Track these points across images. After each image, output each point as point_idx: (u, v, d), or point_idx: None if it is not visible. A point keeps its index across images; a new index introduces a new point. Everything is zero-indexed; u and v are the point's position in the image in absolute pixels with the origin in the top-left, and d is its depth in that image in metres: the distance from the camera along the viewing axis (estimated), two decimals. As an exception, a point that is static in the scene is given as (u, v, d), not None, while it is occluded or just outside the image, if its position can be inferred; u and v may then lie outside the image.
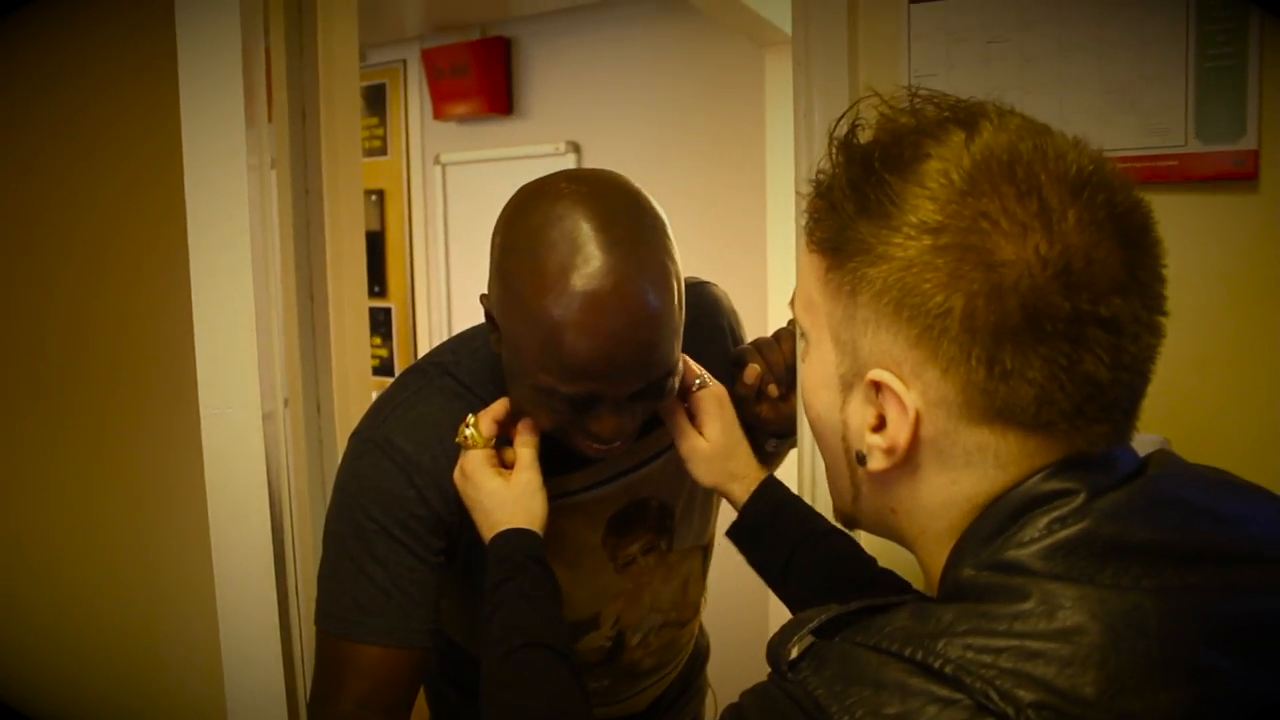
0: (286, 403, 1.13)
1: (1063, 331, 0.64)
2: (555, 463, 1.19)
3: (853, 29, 1.23)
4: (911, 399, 0.67)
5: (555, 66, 3.60)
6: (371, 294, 3.78)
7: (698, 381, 1.21)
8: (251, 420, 0.81)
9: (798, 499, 1.22)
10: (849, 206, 0.68)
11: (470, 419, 1.15)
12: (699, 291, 1.33)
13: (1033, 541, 0.65)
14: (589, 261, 1.01)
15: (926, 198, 0.65)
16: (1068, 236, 0.64)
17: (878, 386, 0.69)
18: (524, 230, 1.06)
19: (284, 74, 1.72)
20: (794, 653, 0.70)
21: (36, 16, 0.99)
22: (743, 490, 1.19)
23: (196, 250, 0.78)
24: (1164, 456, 0.74)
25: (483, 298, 1.14)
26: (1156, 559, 0.65)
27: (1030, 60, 1.14)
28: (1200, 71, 1.05)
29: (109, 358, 1.09)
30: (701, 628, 1.61)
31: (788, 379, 1.29)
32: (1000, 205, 0.64)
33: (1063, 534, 0.65)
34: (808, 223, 0.74)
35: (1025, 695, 0.59)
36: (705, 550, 1.45)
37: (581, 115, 3.47)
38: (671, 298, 1.07)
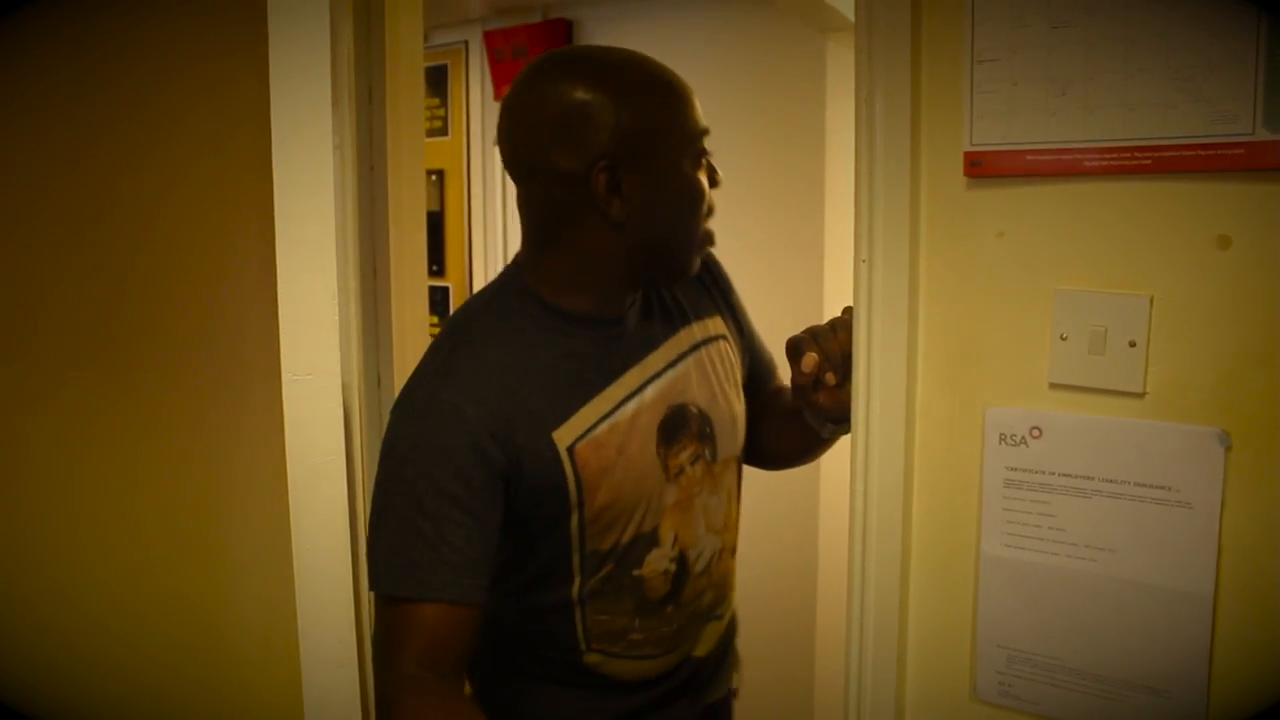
0: (353, 375, 1.17)
1: None
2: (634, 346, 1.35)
3: (916, 14, 1.23)
4: None
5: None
6: (430, 273, 3.82)
7: None
8: (331, 387, 0.83)
9: None
10: None
11: None
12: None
13: None
14: (634, 59, 1.30)
15: None
16: None
17: None
18: (584, 82, 1.26)
19: (351, 54, 1.75)
20: None
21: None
22: None
23: (282, 223, 0.81)
24: None
25: (591, 176, 1.25)
26: None
27: (1095, 46, 1.13)
28: (1270, 58, 1.04)
29: (193, 326, 1.12)
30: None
31: (844, 366, 1.32)
32: None
33: None
34: None
35: None
36: (739, 463, 1.51)
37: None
38: None
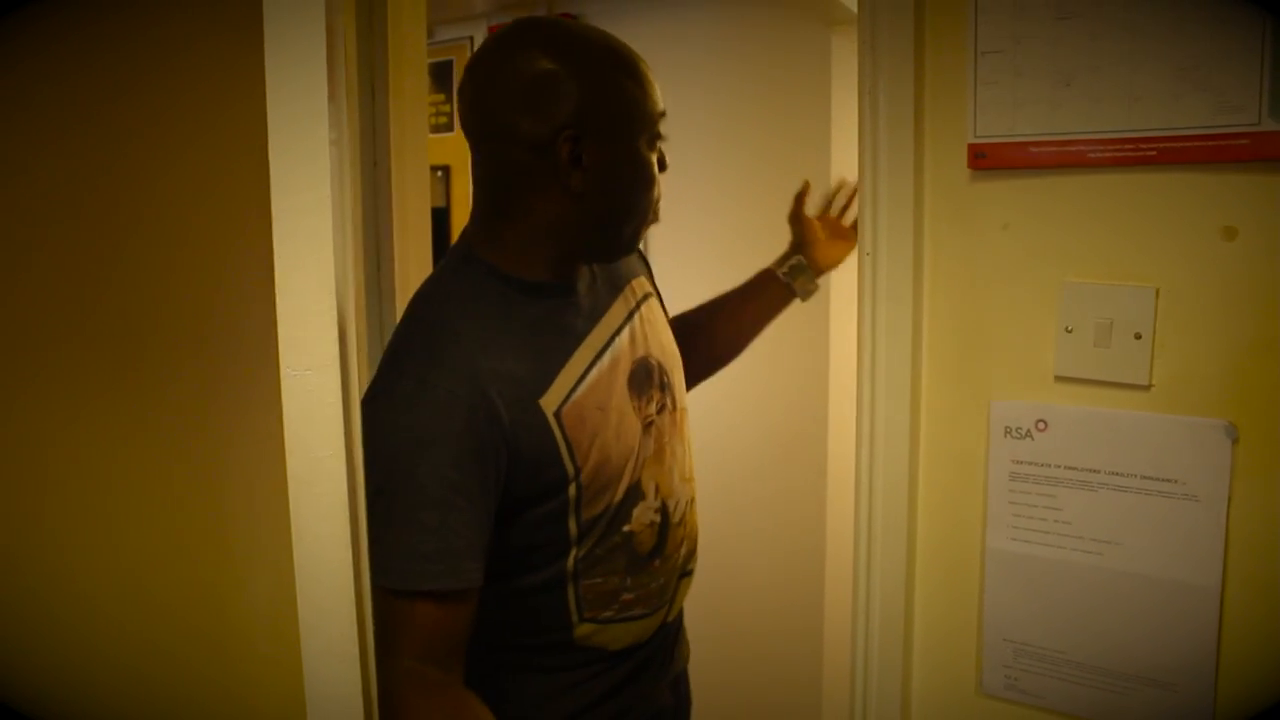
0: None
1: None
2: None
3: (919, 5, 1.23)
4: None
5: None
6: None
7: None
8: (330, 382, 0.83)
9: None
10: None
11: None
12: None
13: None
14: (605, 36, 1.34)
15: None
16: None
17: None
18: (549, 53, 1.28)
19: (354, 50, 1.75)
20: None
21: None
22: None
23: (279, 218, 0.81)
24: None
25: (555, 145, 1.28)
26: None
27: (1100, 37, 1.13)
28: (1277, 49, 1.03)
29: (192, 320, 1.12)
30: None
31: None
32: None
33: None
34: None
35: None
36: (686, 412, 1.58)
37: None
38: None
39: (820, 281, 1.76)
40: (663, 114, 1.36)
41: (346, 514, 0.86)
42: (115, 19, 1.04)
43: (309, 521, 0.86)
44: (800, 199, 1.78)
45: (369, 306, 1.77)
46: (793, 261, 1.74)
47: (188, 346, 1.11)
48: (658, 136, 1.36)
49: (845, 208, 1.82)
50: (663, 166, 1.38)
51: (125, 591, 1.11)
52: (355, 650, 0.89)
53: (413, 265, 1.85)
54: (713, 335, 1.69)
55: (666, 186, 1.40)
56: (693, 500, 1.52)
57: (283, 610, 0.92)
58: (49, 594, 1.04)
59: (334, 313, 0.82)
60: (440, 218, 4.01)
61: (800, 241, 1.77)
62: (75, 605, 1.06)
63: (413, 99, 1.88)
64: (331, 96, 0.81)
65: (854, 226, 1.72)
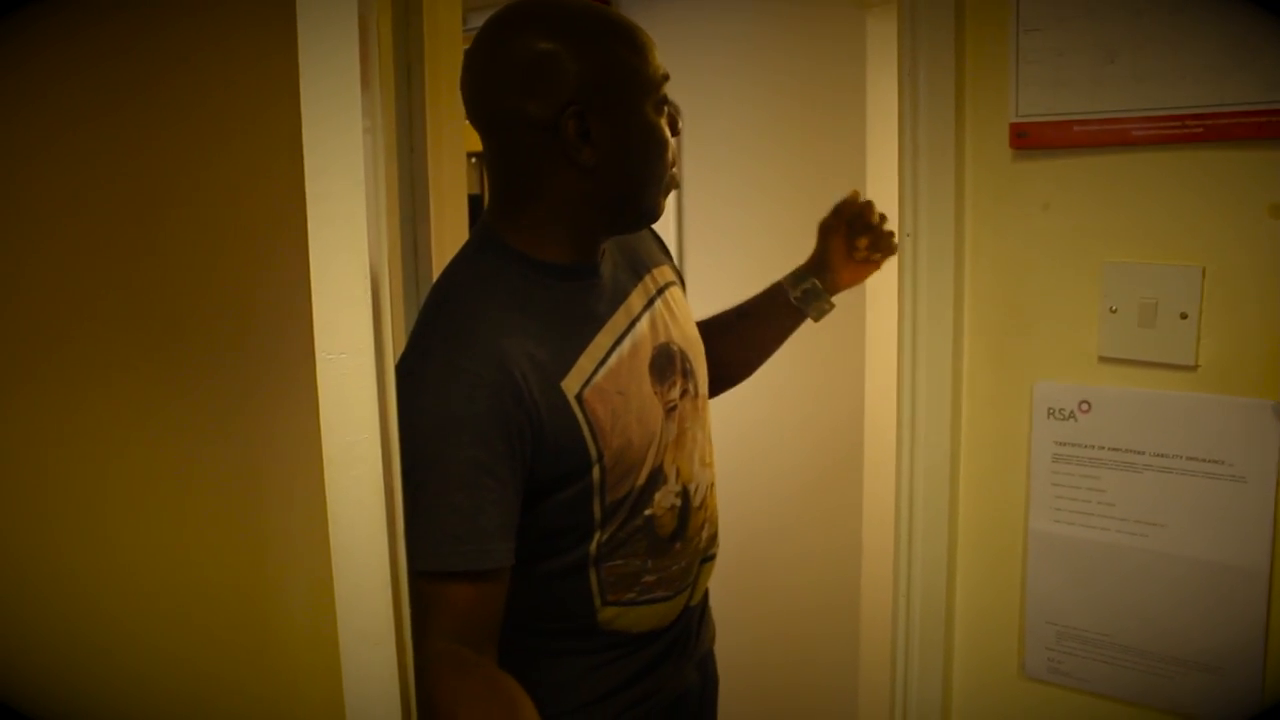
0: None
1: None
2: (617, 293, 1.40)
3: (959, -17, 1.21)
4: None
5: (652, 29, 3.57)
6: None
7: None
8: (365, 366, 0.83)
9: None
10: None
11: None
12: None
13: None
14: (594, 8, 1.31)
15: None
16: None
17: None
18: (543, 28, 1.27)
19: (389, 36, 1.75)
20: None
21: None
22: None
23: (314, 203, 0.81)
24: None
25: (561, 123, 1.26)
26: None
27: (1144, 13, 1.11)
28: (1326, 21, 1.01)
29: (229, 309, 1.13)
30: None
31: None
32: None
33: None
34: None
35: None
36: (707, 399, 1.56)
37: (676, 78, 3.44)
38: None
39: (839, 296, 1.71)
40: (665, 77, 1.35)
41: (382, 497, 0.86)
42: (153, 11, 1.04)
43: (344, 505, 0.86)
44: (840, 211, 1.69)
45: (406, 292, 1.77)
46: (806, 285, 1.66)
47: (225, 333, 1.12)
48: (664, 101, 1.35)
49: (874, 233, 1.66)
50: (674, 130, 1.37)
51: (163, 574, 1.12)
52: (392, 633, 0.89)
53: (449, 251, 1.84)
54: (721, 357, 1.66)
55: (701, 170, 1.39)
56: (712, 485, 1.52)
57: (320, 593, 0.93)
58: (91, 583, 1.05)
59: (368, 297, 0.82)
60: (476, 205, 4.02)
61: (822, 258, 1.69)
62: (118, 586, 1.08)
63: (449, 85, 1.87)
64: (365, 84, 0.81)
65: (881, 254, 1.64)
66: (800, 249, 1.73)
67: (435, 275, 1.68)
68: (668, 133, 1.35)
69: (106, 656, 1.06)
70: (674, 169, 1.39)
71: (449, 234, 1.86)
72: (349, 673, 0.89)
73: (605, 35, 1.29)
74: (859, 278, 1.69)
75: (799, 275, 1.68)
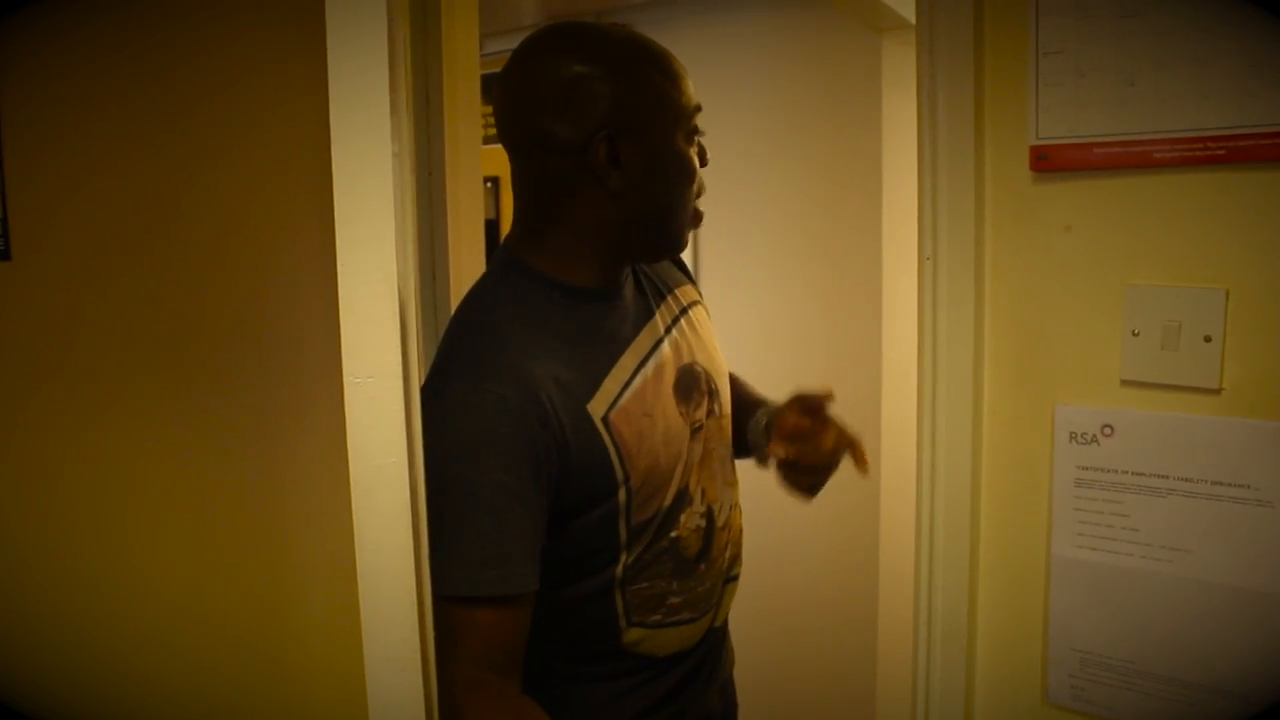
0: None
1: None
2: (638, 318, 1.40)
3: (978, 6, 1.21)
4: None
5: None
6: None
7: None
8: (393, 389, 0.83)
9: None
10: None
11: None
12: None
13: None
14: (631, 34, 1.33)
15: None
16: None
17: None
18: (583, 55, 1.28)
19: (408, 61, 1.77)
20: None
21: None
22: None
23: (342, 226, 0.81)
24: None
25: (592, 147, 1.27)
26: None
27: (1165, 34, 1.11)
28: (1350, 43, 1.01)
29: (256, 330, 1.13)
30: None
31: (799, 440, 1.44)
32: None
33: None
34: None
35: None
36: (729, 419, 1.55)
37: (693, 101, 3.46)
38: None
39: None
40: (698, 108, 1.35)
41: (409, 521, 0.86)
42: (177, 36, 1.05)
43: (372, 529, 0.86)
44: (808, 402, 1.49)
45: (424, 317, 1.77)
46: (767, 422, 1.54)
47: (252, 356, 1.12)
48: (695, 131, 1.35)
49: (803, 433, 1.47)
50: (703, 161, 1.38)
51: (184, 599, 1.12)
52: (417, 658, 0.89)
53: (467, 275, 1.86)
54: None
55: (717, 194, 1.39)
56: (736, 505, 1.51)
57: (344, 618, 0.93)
58: (116, 599, 1.05)
59: (396, 320, 0.83)
60: (491, 230, 4.03)
61: (773, 419, 1.53)
62: (141, 607, 1.07)
63: (466, 109, 1.89)
64: (393, 109, 0.82)
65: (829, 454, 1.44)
66: (815, 270, 1.73)
67: (453, 299, 1.68)
68: (696, 163, 1.35)
69: (144, 679, 1.06)
70: (699, 199, 1.39)
71: (466, 257, 1.87)
72: (374, 698, 0.88)
73: (639, 61, 1.30)
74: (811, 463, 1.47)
75: (766, 413, 1.57)
